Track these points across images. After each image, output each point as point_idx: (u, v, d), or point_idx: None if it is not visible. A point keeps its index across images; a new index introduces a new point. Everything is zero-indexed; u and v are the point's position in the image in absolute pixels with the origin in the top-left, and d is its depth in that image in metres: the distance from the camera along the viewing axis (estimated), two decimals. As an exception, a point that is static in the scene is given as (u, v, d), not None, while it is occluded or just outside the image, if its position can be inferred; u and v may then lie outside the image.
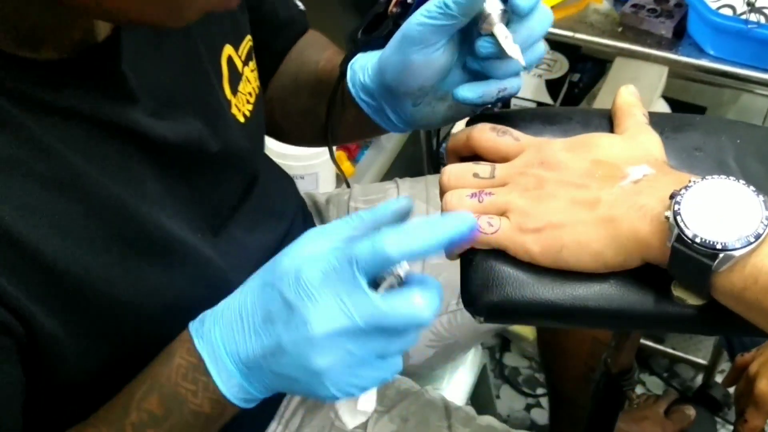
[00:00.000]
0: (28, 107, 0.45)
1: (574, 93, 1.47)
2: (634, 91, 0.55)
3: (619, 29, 1.07)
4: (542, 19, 0.54)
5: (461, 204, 0.50)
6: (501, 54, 0.52)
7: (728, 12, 0.95)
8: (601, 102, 1.38)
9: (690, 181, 0.43)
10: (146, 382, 0.50)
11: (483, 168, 0.51)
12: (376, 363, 0.46)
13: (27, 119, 0.45)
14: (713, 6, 0.96)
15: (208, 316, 0.49)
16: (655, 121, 0.54)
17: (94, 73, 0.48)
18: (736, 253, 0.41)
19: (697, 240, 0.41)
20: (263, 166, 0.72)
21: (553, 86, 1.45)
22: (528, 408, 1.53)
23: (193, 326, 0.50)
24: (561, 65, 1.48)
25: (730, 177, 0.43)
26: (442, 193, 0.52)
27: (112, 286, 0.50)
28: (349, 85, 0.63)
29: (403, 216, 0.50)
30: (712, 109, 1.50)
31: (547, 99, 1.44)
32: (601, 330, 1.01)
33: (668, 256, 0.43)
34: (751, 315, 0.42)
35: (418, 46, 0.53)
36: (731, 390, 1.18)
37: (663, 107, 1.41)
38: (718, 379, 1.42)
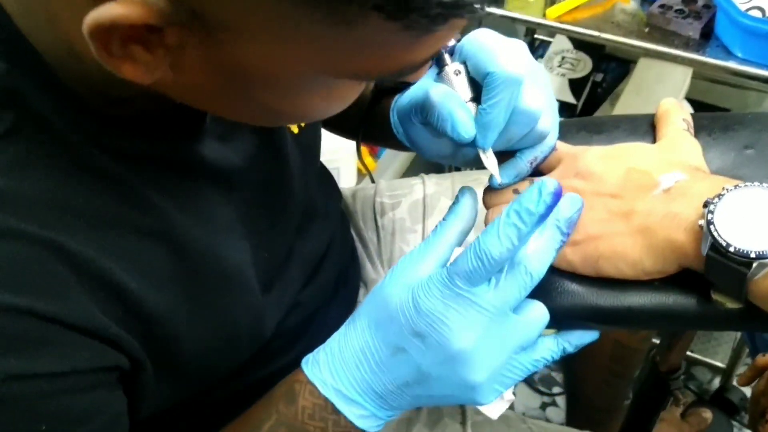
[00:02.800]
0: (124, 161, 0.45)
1: (597, 93, 1.47)
2: (674, 101, 0.55)
3: (646, 29, 1.06)
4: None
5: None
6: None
7: (757, 14, 0.95)
8: (624, 103, 1.37)
9: (723, 189, 0.44)
10: (272, 417, 0.50)
11: (522, 183, 0.52)
12: (521, 354, 0.47)
13: (126, 173, 0.45)
14: (742, 8, 0.95)
15: (324, 357, 0.49)
16: (704, 123, 0.54)
17: (177, 117, 0.48)
18: None
19: (731, 249, 0.41)
20: (315, 171, 0.70)
21: (576, 86, 1.45)
22: (543, 406, 1.53)
23: (309, 369, 0.49)
24: (584, 65, 1.48)
25: (764, 184, 0.43)
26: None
27: (192, 328, 0.50)
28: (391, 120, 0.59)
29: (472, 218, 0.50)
30: (737, 111, 1.49)
31: (570, 98, 1.43)
32: (625, 333, 1.01)
33: (704, 264, 0.43)
34: None
35: (408, 124, 0.53)
36: (748, 393, 1.17)
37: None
38: (736, 382, 1.41)
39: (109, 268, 0.43)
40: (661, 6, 1.06)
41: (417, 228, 0.86)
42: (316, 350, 0.50)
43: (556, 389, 1.54)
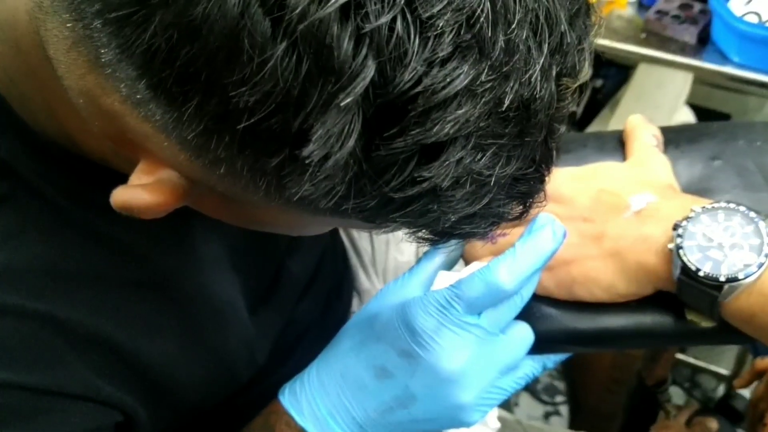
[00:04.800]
0: (112, 216, 0.43)
1: (597, 99, 1.46)
2: (642, 117, 0.54)
3: (643, 35, 1.06)
4: None
5: (473, 248, 0.50)
6: None
7: (753, 19, 0.94)
8: (624, 108, 1.36)
9: (692, 211, 0.43)
10: None
11: None
12: (508, 374, 0.47)
13: (115, 228, 0.45)
14: (738, 13, 0.95)
15: (300, 386, 0.49)
16: (670, 136, 0.53)
17: None
18: (741, 283, 0.41)
19: (701, 274, 0.41)
20: None
21: (575, 92, 1.45)
22: (546, 416, 1.52)
23: (286, 399, 0.49)
24: (584, 71, 1.47)
25: (731, 203, 0.43)
26: None
27: (191, 370, 0.50)
28: None
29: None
30: (737, 116, 1.49)
31: (569, 105, 1.43)
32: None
33: (676, 287, 0.43)
34: (763, 337, 0.42)
35: None
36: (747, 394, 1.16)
37: (687, 114, 1.40)
38: (741, 390, 1.40)
39: (102, 329, 0.44)
40: (658, 12, 1.06)
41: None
42: (292, 379, 0.50)
43: (558, 398, 1.53)
